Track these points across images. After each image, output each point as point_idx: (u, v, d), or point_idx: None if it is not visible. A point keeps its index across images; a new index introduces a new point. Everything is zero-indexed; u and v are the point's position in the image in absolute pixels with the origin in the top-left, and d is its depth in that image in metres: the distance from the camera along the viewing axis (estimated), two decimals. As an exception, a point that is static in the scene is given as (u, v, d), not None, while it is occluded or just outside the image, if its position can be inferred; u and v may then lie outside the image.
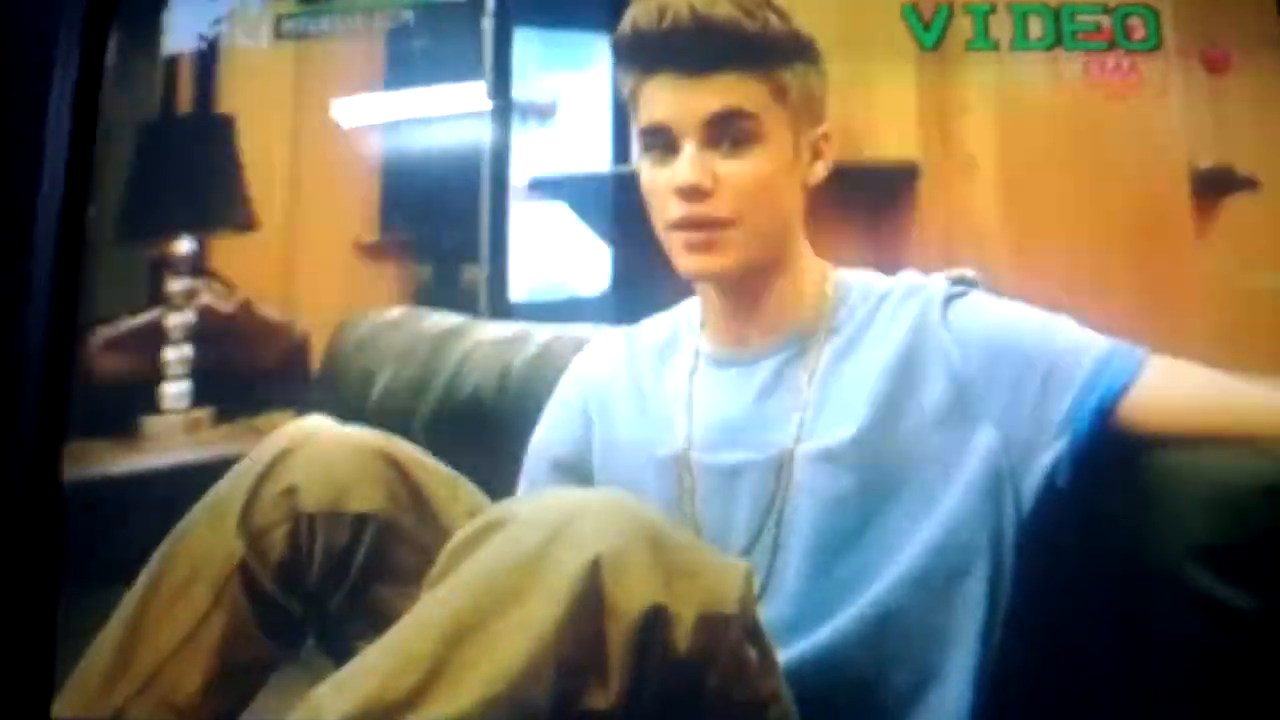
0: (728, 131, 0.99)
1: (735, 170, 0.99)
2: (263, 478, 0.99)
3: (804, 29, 1.02)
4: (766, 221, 1.01)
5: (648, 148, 1.02)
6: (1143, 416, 0.93)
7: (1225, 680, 0.87)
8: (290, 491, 0.98)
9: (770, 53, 1.00)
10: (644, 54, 1.01)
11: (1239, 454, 0.90)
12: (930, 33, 1.15)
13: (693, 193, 0.98)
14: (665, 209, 1.01)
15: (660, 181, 1.01)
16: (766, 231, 1.01)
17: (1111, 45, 1.13)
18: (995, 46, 1.14)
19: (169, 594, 0.98)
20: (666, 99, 1.00)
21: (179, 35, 1.28)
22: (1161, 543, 0.90)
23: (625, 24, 1.02)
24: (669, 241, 1.02)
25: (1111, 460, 0.93)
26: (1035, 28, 1.14)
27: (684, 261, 1.01)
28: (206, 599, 0.98)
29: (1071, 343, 0.96)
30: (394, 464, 1.01)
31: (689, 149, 0.99)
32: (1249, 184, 1.15)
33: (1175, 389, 0.94)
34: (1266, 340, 1.09)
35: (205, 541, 0.99)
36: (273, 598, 0.99)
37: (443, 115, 1.27)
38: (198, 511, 1.00)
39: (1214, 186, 1.17)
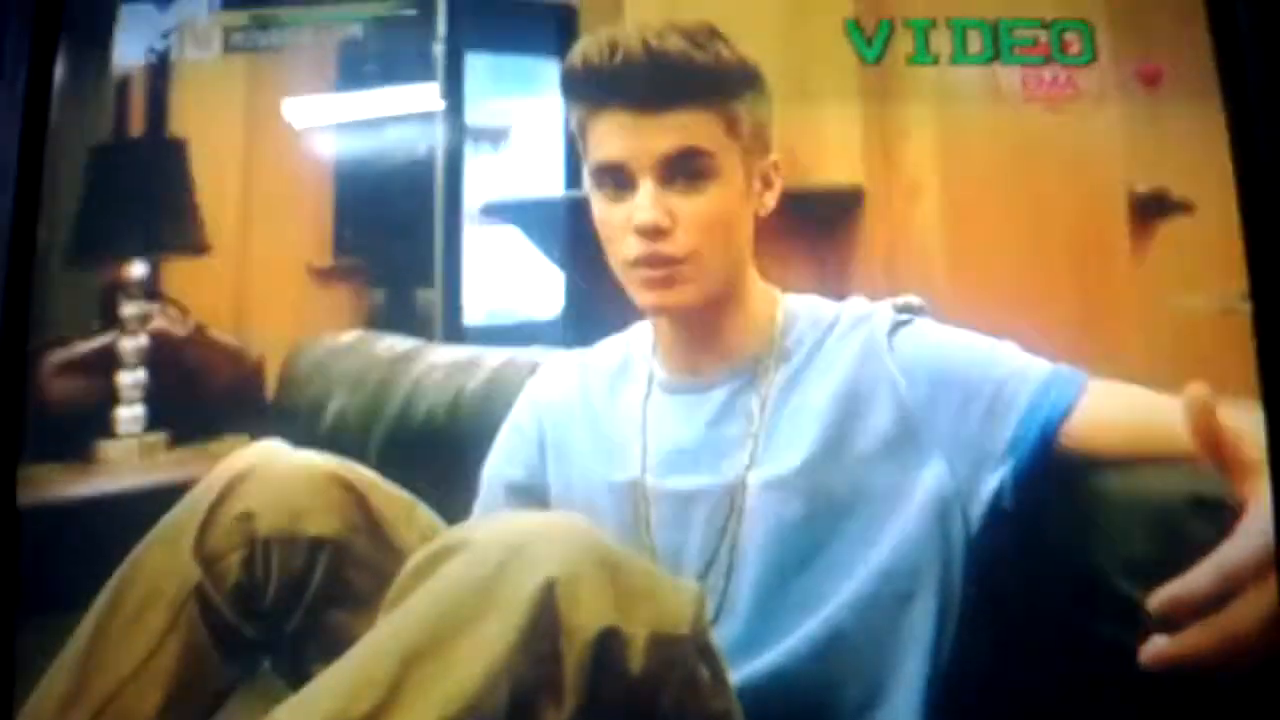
0: (683, 169, 0.99)
1: (692, 207, 0.99)
2: (217, 502, 0.99)
3: (750, 57, 1.02)
4: (723, 256, 1.01)
5: (600, 185, 1.02)
6: (1085, 439, 0.94)
7: (1168, 694, 0.89)
8: (245, 516, 0.98)
9: (722, 85, 1.00)
10: (593, 89, 1.00)
11: (1173, 471, 0.92)
12: (872, 48, 1.15)
13: (652, 232, 0.98)
14: (621, 246, 1.01)
15: (616, 219, 1.01)
16: (723, 265, 1.02)
17: (1048, 59, 1.14)
18: (935, 61, 1.15)
19: (125, 618, 0.97)
20: (619, 137, 0.99)
21: (128, 50, 1.27)
22: (1100, 559, 0.92)
23: (574, 58, 1.01)
24: (626, 277, 1.02)
25: (1055, 480, 0.95)
26: (974, 42, 1.14)
27: (643, 297, 1.01)
28: (162, 623, 0.97)
29: (1014, 369, 0.97)
30: (349, 488, 1.01)
31: (646, 187, 0.99)
32: (1184, 208, 1.17)
33: (1114, 412, 0.95)
34: (1203, 362, 1.11)
35: (160, 566, 0.98)
36: (228, 622, 0.98)
37: (395, 139, 1.27)
38: (153, 536, 1.00)
39: (1150, 210, 1.19)
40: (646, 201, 0.99)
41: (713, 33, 1.00)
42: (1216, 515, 0.88)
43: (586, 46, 1.00)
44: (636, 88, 0.99)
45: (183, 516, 0.99)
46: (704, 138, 0.99)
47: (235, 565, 0.98)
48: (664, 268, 0.99)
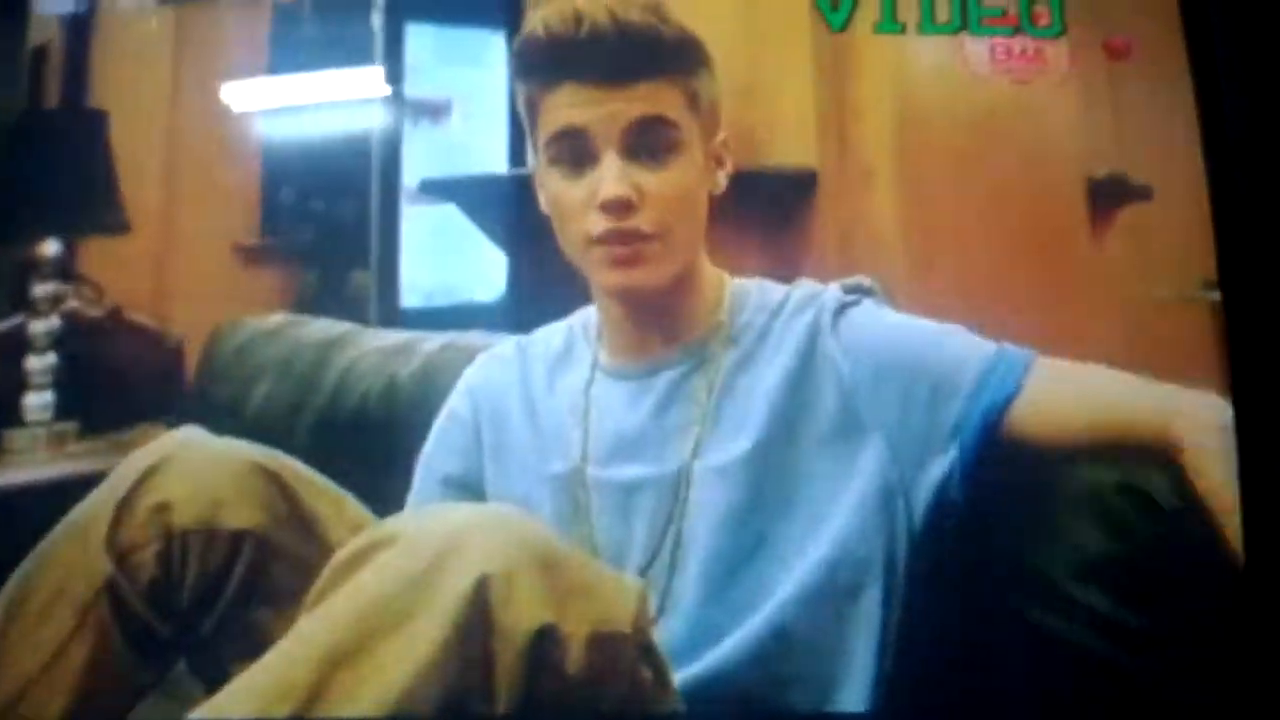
0: (647, 141, 0.96)
1: (659, 181, 0.96)
2: (132, 493, 0.94)
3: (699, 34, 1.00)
4: (688, 233, 0.99)
5: (556, 159, 0.99)
6: (1032, 423, 0.93)
7: (1123, 694, 0.88)
8: (162, 508, 0.94)
9: (685, 60, 0.98)
10: (554, 61, 0.97)
11: (1114, 464, 0.92)
12: (838, 14, 1.15)
13: (619, 207, 0.95)
14: (583, 223, 0.97)
15: (576, 195, 0.97)
16: (688, 243, 1.00)
17: (1017, 30, 1.15)
18: (902, 29, 1.14)
19: (31, 616, 0.93)
20: (580, 107, 0.96)
21: (52, 4, 1.23)
22: (1049, 555, 0.92)
23: (535, 28, 0.98)
24: (587, 257, 0.98)
25: (1006, 472, 0.93)
26: (942, 11, 1.14)
27: (606, 278, 0.98)
28: (71, 621, 0.93)
29: (959, 352, 0.96)
30: (273, 478, 0.97)
31: (610, 159, 0.96)
32: (1143, 194, 1.17)
33: (1062, 395, 0.94)
34: (1163, 349, 1.11)
35: (70, 560, 0.94)
36: (142, 619, 0.94)
37: (331, 111, 1.23)
38: (61, 528, 0.95)
39: (1110, 196, 1.19)
40: (612, 174, 0.96)
41: (661, 6, 0.98)
42: (1159, 511, 0.89)
43: (548, 17, 0.97)
44: (601, 59, 0.96)
45: (94, 508, 0.95)
46: (669, 108, 0.97)
47: (150, 559, 0.94)
48: (631, 245, 0.97)
